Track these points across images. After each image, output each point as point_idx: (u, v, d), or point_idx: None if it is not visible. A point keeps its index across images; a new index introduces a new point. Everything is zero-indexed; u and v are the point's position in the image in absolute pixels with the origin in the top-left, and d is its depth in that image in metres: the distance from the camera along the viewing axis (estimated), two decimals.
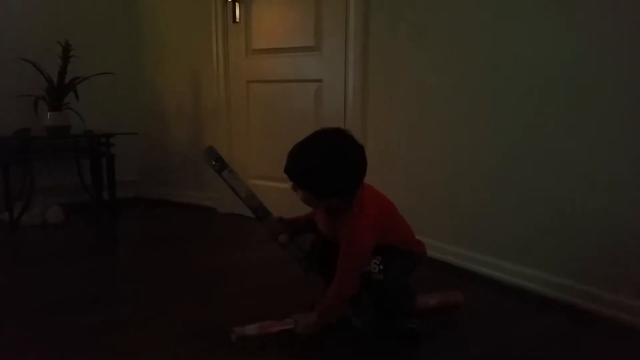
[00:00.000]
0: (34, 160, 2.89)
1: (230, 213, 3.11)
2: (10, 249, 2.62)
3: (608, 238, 1.79)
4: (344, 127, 1.68)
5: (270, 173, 3.01)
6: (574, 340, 1.66)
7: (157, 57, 3.47)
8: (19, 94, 2.88)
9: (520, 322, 1.79)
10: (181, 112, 3.41)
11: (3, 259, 2.46)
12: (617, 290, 1.77)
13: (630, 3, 1.68)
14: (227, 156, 3.15)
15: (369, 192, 1.58)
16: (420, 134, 2.37)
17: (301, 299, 1.74)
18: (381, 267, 1.54)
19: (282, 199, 2.87)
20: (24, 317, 1.77)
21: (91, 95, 3.07)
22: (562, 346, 1.63)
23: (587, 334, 1.70)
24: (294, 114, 2.88)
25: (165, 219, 3.22)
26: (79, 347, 1.57)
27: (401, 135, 2.43)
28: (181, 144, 3.45)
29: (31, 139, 2.88)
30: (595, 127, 1.79)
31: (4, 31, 3.03)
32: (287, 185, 1.55)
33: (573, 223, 1.88)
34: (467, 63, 2.16)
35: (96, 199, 3.18)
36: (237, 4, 2.97)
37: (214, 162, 1.66)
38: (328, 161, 1.46)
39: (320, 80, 2.77)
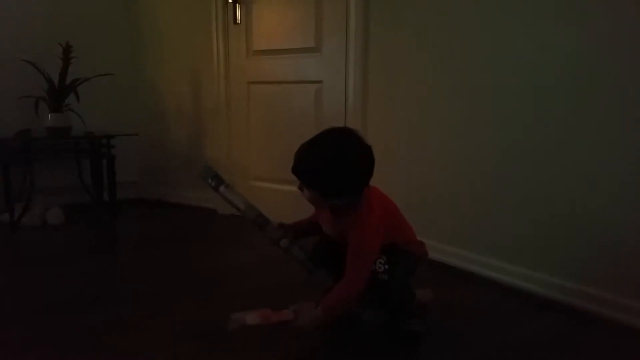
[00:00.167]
0: (35, 161, 2.90)
1: (230, 214, 3.11)
2: (10, 250, 2.62)
3: (608, 238, 1.79)
4: None
5: (270, 174, 3.02)
6: (574, 341, 1.66)
7: (158, 58, 3.48)
8: (20, 95, 2.89)
9: (520, 323, 1.79)
10: (181, 113, 3.42)
11: (3, 259, 2.46)
12: (617, 291, 1.77)
13: (630, 3, 1.69)
14: (227, 157, 3.20)
15: (374, 193, 1.59)
16: (420, 134, 2.37)
17: (301, 299, 1.73)
18: (386, 266, 1.55)
19: (282, 200, 2.89)
20: (24, 317, 1.77)
21: (92, 96, 3.07)
22: (562, 346, 1.63)
23: (587, 334, 1.70)
24: (295, 115, 2.88)
25: (166, 219, 3.22)
26: (79, 347, 1.56)
27: (401, 135, 2.43)
28: (181, 145, 3.45)
29: (32, 140, 2.88)
30: (595, 127, 1.79)
31: (4, 32, 3.04)
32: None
33: (573, 223, 1.88)
34: (467, 63, 2.16)
35: (96, 199, 3.19)
36: (237, 4, 2.98)
37: (210, 180, 1.67)
38: (336, 161, 1.46)
39: (320, 82, 2.77)
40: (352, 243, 1.51)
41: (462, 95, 2.19)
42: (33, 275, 2.20)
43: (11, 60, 2.93)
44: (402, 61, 2.40)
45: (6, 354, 1.53)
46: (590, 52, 1.79)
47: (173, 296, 1.97)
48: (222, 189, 1.67)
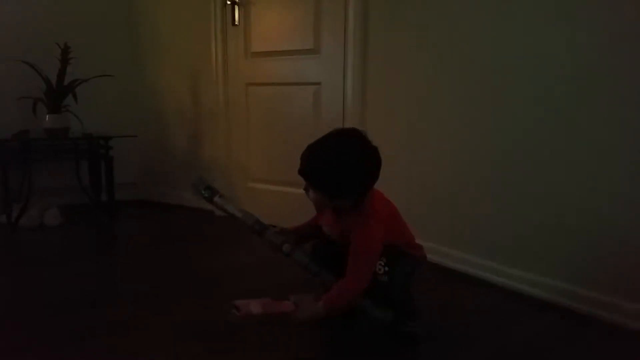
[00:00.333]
0: (33, 162, 2.89)
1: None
2: (9, 250, 2.61)
3: (608, 239, 1.80)
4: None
5: (269, 176, 3.02)
6: (574, 343, 1.67)
7: (157, 59, 3.47)
8: (18, 96, 2.89)
9: (520, 324, 1.79)
10: (180, 115, 3.41)
11: (2, 260, 2.44)
12: (616, 293, 1.77)
13: (630, 3, 1.69)
14: (226, 159, 3.20)
15: (376, 195, 1.60)
16: (420, 135, 2.37)
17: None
18: (386, 268, 1.55)
19: (281, 201, 2.90)
20: (23, 317, 1.77)
21: (90, 98, 3.06)
22: (562, 348, 1.63)
23: (587, 337, 1.71)
24: (293, 117, 2.88)
25: (164, 220, 3.22)
26: (79, 347, 1.56)
27: (400, 136, 2.43)
28: (180, 146, 3.45)
29: (30, 141, 2.87)
30: (595, 127, 1.80)
31: (3, 33, 3.03)
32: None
33: (573, 224, 1.88)
34: (467, 63, 2.17)
35: (95, 200, 3.18)
36: (236, 6, 2.97)
37: (203, 192, 1.67)
38: (343, 162, 1.46)
39: (319, 83, 2.77)
40: (354, 243, 1.51)
41: (461, 96, 2.20)
42: (32, 276, 2.19)
43: (10, 61, 2.92)
44: (401, 62, 2.40)
45: (6, 354, 1.52)
46: (590, 52, 1.79)
47: (173, 296, 1.97)
48: (216, 199, 1.67)
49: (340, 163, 1.46)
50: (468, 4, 2.14)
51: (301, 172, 1.51)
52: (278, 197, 2.94)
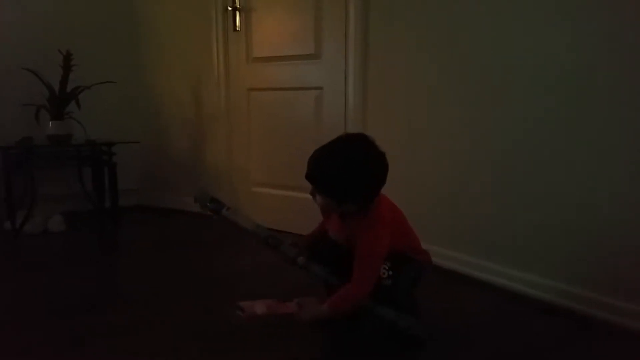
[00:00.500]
0: (36, 168, 2.90)
1: None
2: (13, 256, 2.62)
3: (608, 239, 1.79)
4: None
5: (271, 180, 3.02)
6: (576, 344, 1.66)
7: (158, 65, 3.49)
8: (21, 103, 2.90)
9: (522, 326, 1.79)
10: (182, 120, 3.43)
11: (6, 265, 2.45)
12: (615, 294, 1.76)
13: (630, 3, 1.69)
14: (228, 163, 3.20)
15: (383, 200, 1.60)
16: (421, 137, 2.37)
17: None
18: (390, 272, 1.55)
19: (283, 206, 2.90)
20: (25, 320, 1.78)
21: (93, 104, 3.08)
22: (564, 350, 1.62)
23: (589, 338, 1.70)
24: (295, 122, 2.89)
25: (167, 226, 3.22)
26: (80, 348, 1.56)
27: (401, 139, 2.42)
28: (182, 151, 3.46)
29: (33, 148, 2.89)
30: (595, 127, 1.79)
31: (5, 41, 3.06)
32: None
33: (574, 225, 1.87)
34: (467, 63, 2.17)
35: (98, 207, 3.18)
36: (237, 12, 2.99)
37: (208, 204, 1.67)
38: (350, 167, 1.47)
39: (320, 88, 2.78)
40: (360, 248, 1.52)
41: (461, 96, 2.20)
42: (35, 280, 2.20)
43: (12, 69, 2.94)
44: (402, 65, 2.41)
45: (9, 355, 1.53)
46: (590, 52, 1.79)
47: (173, 298, 1.97)
48: (224, 211, 1.67)
49: (348, 168, 1.47)
50: (468, 4, 2.15)
51: (308, 176, 1.52)
52: (280, 201, 2.95)
